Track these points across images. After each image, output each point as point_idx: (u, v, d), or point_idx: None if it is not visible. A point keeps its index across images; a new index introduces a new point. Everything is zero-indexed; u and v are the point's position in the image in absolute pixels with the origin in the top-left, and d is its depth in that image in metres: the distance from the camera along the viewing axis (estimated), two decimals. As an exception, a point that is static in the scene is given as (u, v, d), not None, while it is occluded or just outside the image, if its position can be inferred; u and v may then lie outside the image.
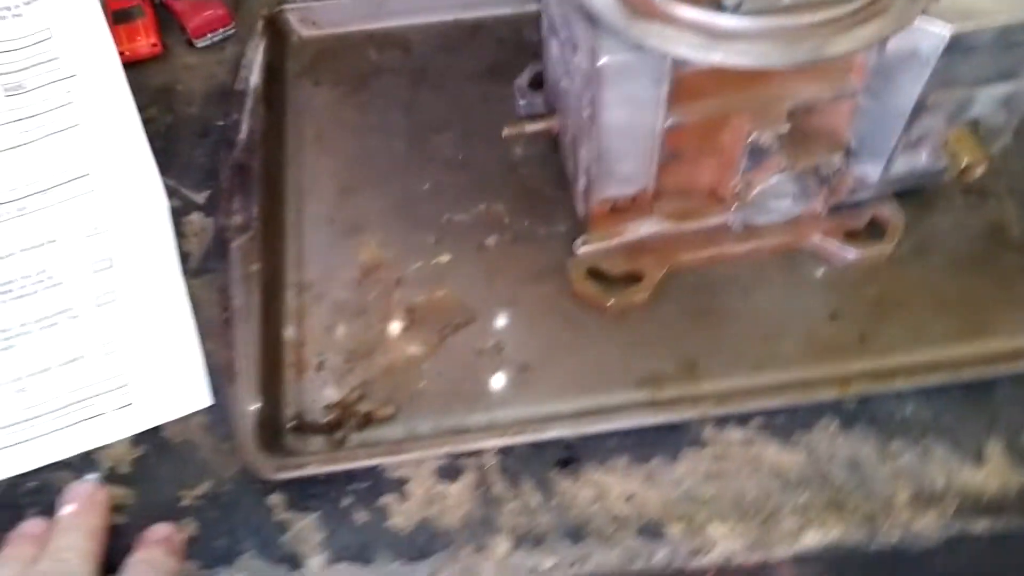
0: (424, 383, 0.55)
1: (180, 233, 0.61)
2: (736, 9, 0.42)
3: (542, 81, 0.66)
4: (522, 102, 0.66)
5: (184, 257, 0.60)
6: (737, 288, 0.59)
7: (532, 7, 0.73)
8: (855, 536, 0.51)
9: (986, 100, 0.51)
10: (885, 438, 0.53)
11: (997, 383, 0.55)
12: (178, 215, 0.62)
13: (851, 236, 0.59)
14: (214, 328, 0.57)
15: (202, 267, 0.60)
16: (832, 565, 0.52)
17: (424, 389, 0.55)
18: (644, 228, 0.55)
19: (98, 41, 0.65)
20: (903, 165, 0.55)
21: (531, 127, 0.60)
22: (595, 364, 0.56)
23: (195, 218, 0.62)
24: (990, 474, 0.52)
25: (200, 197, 0.63)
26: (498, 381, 0.55)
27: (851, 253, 0.59)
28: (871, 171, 0.55)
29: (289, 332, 0.57)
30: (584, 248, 0.55)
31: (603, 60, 0.43)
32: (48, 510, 0.50)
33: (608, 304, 0.56)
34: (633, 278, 0.58)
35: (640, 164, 0.51)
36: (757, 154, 0.51)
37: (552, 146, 0.65)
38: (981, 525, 0.51)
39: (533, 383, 0.55)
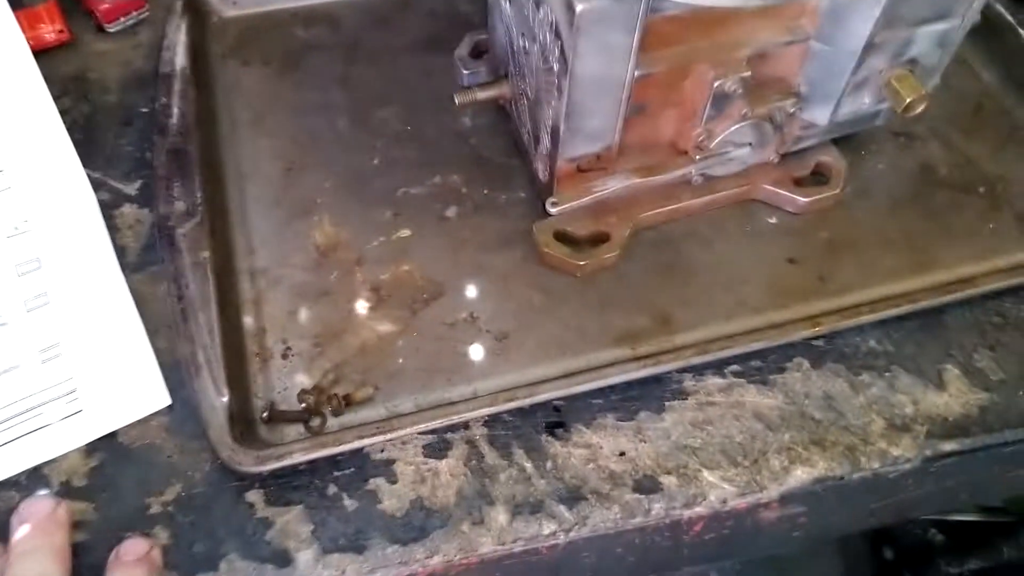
0: (401, 360, 0.53)
1: (113, 227, 0.57)
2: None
3: (483, 50, 0.65)
4: (465, 72, 0.65)
5: (121, 252, 0.56)
6: (698, 241, 0.60)
7: (461, -21, 0.73)
8: (839, 469, 0.52)
9: (924, 39, 0.53)
10: (854, 372, 0.55)
11: (947, 311, 0.57)
12: (108, 208, 0.58)
13: (798, 183, 0.61)
14: (165, 323, 0.53)
15: (143, 260, 0.56)
16: (813, 505, 0.53)
17: (402, 367, 0.53)
18: (613, 183, 0.54)
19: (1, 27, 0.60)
20: (848, 108, 0.57)
21: (483, 94, 0.59)
22: (572, 326, 0.55)
23: (128, 210, 0.58)
24: (952, 397, 0.55)
25: (131, 188, 0.59)
26: (476, 352, 0.54)
27: (801, 199, 0.60)
28: (820, 115, 0.56)
29: (248, 321, 0.54)
30: (555, 208, 0.54)
31: (580, 7, 0.43)
32: (-2, 534, 0.46)
33: (581, 265, 0.56)
34: (599, 239, 0.57)
35: (608, 118, 0.51)
36: (720, 101, 0.52)
37: (500, 115, 0.64)
38: (950, 446, 0.53)
39: (512, 351, 0.54)
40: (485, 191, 0.61)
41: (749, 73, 0.51)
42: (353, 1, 0.71)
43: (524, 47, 0.54)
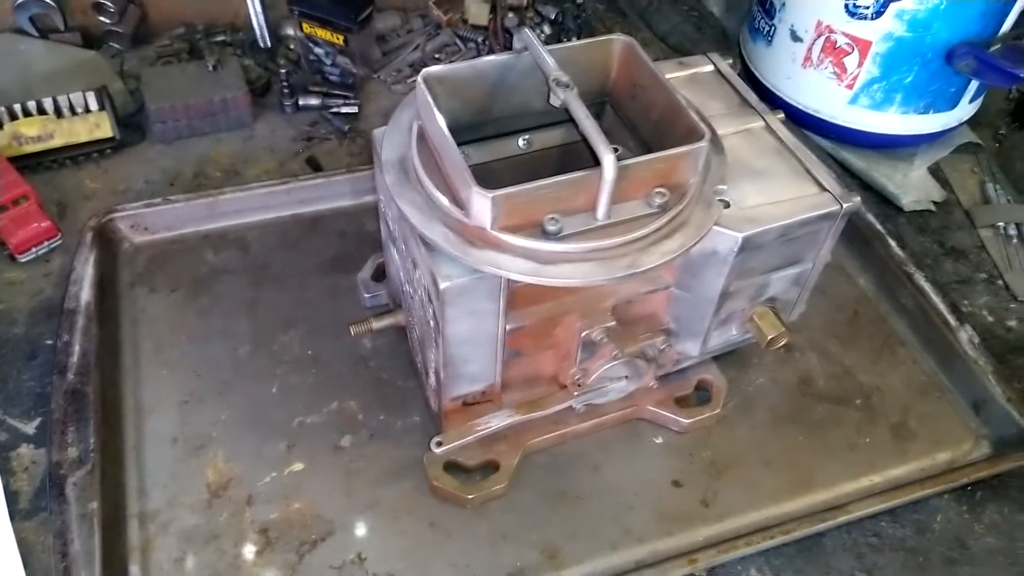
0: (286, 612, 0.53)
1: (8, 470, 0.58)
2: (558, 236, 0.46)
3: (384, 273, 0.69)
4: (367, 295, 0.68)
5: (13, 497, 0.56)
6: (587, 466, 0.61)
7: (370, 198, 0.76)
8: None
9: (779, 282, 0.57)
10: (736, 608, 0.56)
11: (826, 533, 0.59)
12: (5, 450, 0.59)
13: (681, 402, 0.64)
14: (48, 576, 0.53)
15: (34, 506, 0.56)
16: None
17: (286, 618, 0.53)
18: (496, 420, 0.57)
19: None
20: (717, 339, 0.60)
21: (378, 324, 0.62)
22: (460, 564, 0.56)
23: (25, 451, 0.59)
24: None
25: (30, 427, 0.60)
26: (362, 597, 0.54)
27: (683, 420, 0.63)
28: (691, 348, 0.60)
29: (134, 571, 0.54)
30: (441, 448, 0.56)
31: (444, 285, 0.46)
32: None
33: (470, 499, 0.57)
34: (489, 466, 0.59)
35: (486, 365, 0.54)
36: (590, 347, 0.55)
37: (400, 335, 0.66)
38: None
39: (398, 595, 0.55)
40: (381, 417, 0.63)
41: (614, 323, 0.54)
42: (264, 223, 0.74)
43: (409, 292, 0.57)
